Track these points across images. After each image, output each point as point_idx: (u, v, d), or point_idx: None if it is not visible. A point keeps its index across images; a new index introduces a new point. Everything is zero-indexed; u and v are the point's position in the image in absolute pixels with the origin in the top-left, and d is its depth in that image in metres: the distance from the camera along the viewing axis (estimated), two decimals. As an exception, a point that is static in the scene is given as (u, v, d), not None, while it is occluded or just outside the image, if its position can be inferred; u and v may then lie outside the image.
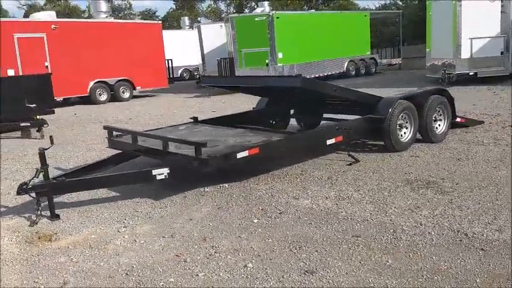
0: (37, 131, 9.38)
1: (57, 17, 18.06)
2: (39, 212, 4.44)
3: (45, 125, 9.47)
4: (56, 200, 5.02)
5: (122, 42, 17.36)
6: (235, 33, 18.32)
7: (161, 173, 4.70)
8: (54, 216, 4.48)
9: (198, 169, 4.68)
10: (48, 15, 17.09)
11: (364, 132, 6.32)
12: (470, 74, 15.04)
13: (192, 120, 6.85)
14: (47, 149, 4.49)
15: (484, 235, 3.62)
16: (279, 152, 5.36)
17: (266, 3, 24.29)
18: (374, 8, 37.53)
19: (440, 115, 6.95)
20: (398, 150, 6.29)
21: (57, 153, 7.73)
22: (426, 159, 5.96)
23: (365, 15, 23.98)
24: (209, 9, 44.57)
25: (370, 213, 4.22)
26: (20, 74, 14.63)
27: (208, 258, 3.51)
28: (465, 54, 15.03)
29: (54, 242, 3.97)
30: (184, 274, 3.27)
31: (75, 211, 4.74)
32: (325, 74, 21.05)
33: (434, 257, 3.32)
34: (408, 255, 3.38)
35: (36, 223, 4.38)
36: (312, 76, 20.05)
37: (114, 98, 17.55)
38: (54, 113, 10.66)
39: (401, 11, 28.52)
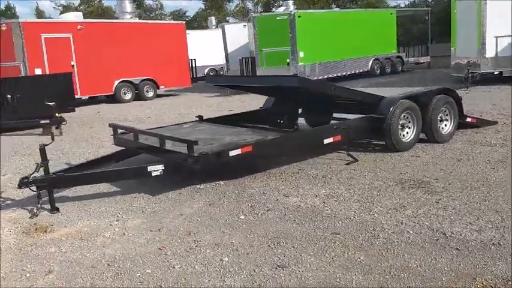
0: (56, 128, 9.74)
1: (90, 17, 18.57)
2: (39, 205, 4.67)
3: (63, 123, 9.82)
4: (59, 194, 5.30)
5: (146, 42, 17.70)
6: (257, 33, 18.44)
7: (156, 169, 4.87)
8: (54, 209, 4.70)
9: (190, 166, 4.82)
10: (75, 16, 17.60)
11: (365, 131, 6.34)
12: (495, 73, 14.69)
13: (197, 119, 7.01)
14: (47, 145, 4.71)
15: (462, 235, 3.62)
16: (273, 151, 5.45)
17: (290, 2, 24.27)
18: (403, 5, 36.95)
19: (447, 115, 6.88)
20: (399, 150, 6.28)
21: (70, 150, 8.05)
22: (426, 159, 5.93)
23: (391, 13, 23.65)
24: (237, 8, 44.83)
25: (355, 212, 4.26)
26: (47, 73, 15.17)
27: (188, 251, 3.65)
28: (490, 53, 14.69)
29: (48, 233, 4.19)
30: (161, 266, 3.41)
31: (75, 205, 4.96)
32: (348, 73, 20.94)
33: (406, 255, 3.36)
34: (381, 253, 3.42)
35: (36, 215, 4.61)
36: (335, 75, 20.03)
37: (139, 96, 17.93)
38: (74, 111, 11.05)
39: (429, 8, 27.97)
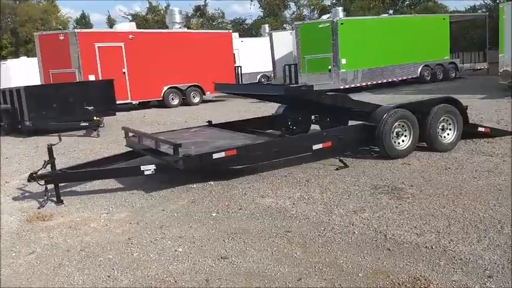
0: (94, 130, 10.63)
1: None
2: (46, 197, 5.34)
3: (101, 125, 10.70)
4: (71, 188, 5.99)
5: (193, 50, 18.56)
6: (299, 40, 18.78)
7: (148, 169, 5.41)
8: (59, 202, 5.36)
9: (176, 167, 5.31)
10: (129, 26, 18.80)
11: (358, 139, 6.52)
12: (542, 82, 14.08)
13: (206, 124, 7.50)
14: (54, 145, 5.38)
15: (401, 237, 3.83)
16: (260, 155, 5.79)
17: (340, 8, 24.34)
18: (464, 10, 35.69)
19: (450, 124, 6.91)
20: (393, 157, 6.42)
21: (100, 150, 8.83)
22: (415, 167, 6.05)
23: (443, 19, 23.09)
24: (293, 16, 45.23)
25: (316, 213, 4.55)
26: (100, 79, 16.39)
27: (151, 242, 4.11)
28: (536, 61, 14.11)
29: (46, 222, 4.82)
30: (122, 253, 3.90)
31: (79, 198, 5.59)
32: (395, 80, 20.72)
33: (339, 253, 3.64)
34: (318, 250, 3.72)
35: (43, 206, 5.28)
36: (380, 82, 19.91)
37: (186, 102, 18.82)
38: (115, 115, 11.94)
39: (487, 13, 26.92)
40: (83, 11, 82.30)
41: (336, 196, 5.03)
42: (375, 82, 19.99)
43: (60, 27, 51.36)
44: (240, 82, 23.31)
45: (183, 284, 3.30)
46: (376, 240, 3.82)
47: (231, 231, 4.24)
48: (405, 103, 6.80)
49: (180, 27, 20.11)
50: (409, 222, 4.13)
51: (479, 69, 25.11)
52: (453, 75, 23.05)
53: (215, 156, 5.34)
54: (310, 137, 6.28)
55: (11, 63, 26.83)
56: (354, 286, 3.13)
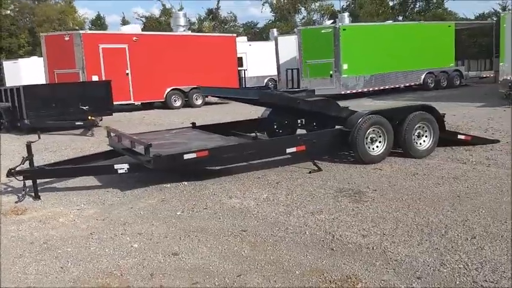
0: (88, 129, 10.91)
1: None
2: (24, 192, 5.57)
3: (96, 125, 10.96)
4: (50, 185, 6.22)
5: (197, 53, 18.83)
6: (302, 45, 18.93)
7: (122, 167, 5.62)
8: (37, 197, 5.58)
9: (147, 166, 5.50)
10: (133, 28, 19.14)
11: (333, 143, 6.65)
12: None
13: (190, 126, 7.70)
14: (33, 142, 5.61)
15: (348, 238, 3.98)
16: (231, 157, 5.95)
17: (346, 14, 24.48)
18: (474, 17, 35.51)
19: (426, 131, 7.02)
20: (367, 162, 6.54)
21: (90, 148, 9.08)
22: (385, 172, 6.17)
23: (449, 26, 23.07)
24: (303, 20, 45.38)
25: (276, 214, 4.71)
26: (103, 79, 16.73)
27: (111, 237, 4.30)
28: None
29: (19, 216, 5.04)
30: (81, 247, 4.09)
31: (57, 194, 5.81)
32: (398, 86, 20.75)
33: (284, 251, 3.79)
34: (266, 249, 3.87)
35: (21, 201, 5.51)
36: (382, 88, 19.97)
37: (189, 104, 19.08)
38: (112, 115, 12.20)
39: (494, 21, 26.78)
40: (98, 12, 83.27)
41: (300, 198, 5.17)
42: (377, 88, 20.05)
43: (77, 27, 52.19)
44: (244, 85, 23.51)
45: (128, 277, 3.48)
46: (323, 241, 3.96)
47: (189, 230, 4.41)
48: (380, 109, 6.92)
49: (184, 30, 20.40)
50: (359, 224, 4.27)
51: (485, 77, 25.01)
52: (458, 82, 23.00)
53: (186, 156, 5.52)
54: (284, 140, 6.43)
55: (22, 62, 27.38)
56: (288, 283, 3.28)
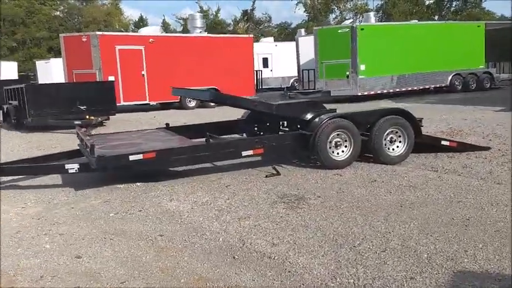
0: (85, 128, 11.11)
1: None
2: (-18, 189, 5.74)
3: (94, 123, 11.18)
4: (16, 182, 6.37)
5: (213, 54, 18.93)
6: (318, 45, 18.66)
7: (72, 167, 5.68)
8: (-7, 194, 5.74)
9: (92, 167, 5.53)
10: (153, 30, 19.44)
11: (294, 147, 6.47)
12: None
13: (163, 127, 7.69)
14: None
15: (256, 247, 3.84)
16: (181, 160, 5.88)
17: (372, 13, 23.93)
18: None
19: (399, 136, 6.72)
20: (330, 167, 6.33)
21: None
22: (343, 178, 5.95)
23: (478, 26, 22.13)
24: (336, 20, 44.76)
25: (203, 218, 4.62)
26: (120, 80, 17.10)
27: (32, 237, 4.31)
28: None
29: (-35, 213, 5.18)
30: (3, 241, 4.16)
31: (13, 192, 5.92)
32: (422, 88, 20.09)
33: (186, 258, 3.70)
34: (170, 254, 3.79)
35: (-22, 197, 5.68)
36: (403, 89, 19.39)
37: (203, 105, 19.19)
38: (115, 114, 12.41)
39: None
40: (141, 14, 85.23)
41: (238, 203, 5.06)
42: (398, 90, 19.52)
43: (122, 29, 53.70)
44: (261, 86, 23.43)
45: (18, 277, 3.49)
46: (231, 248, 3.84)
47: (110, 232, 4.38)
48: (346, 113, 6.68)
49: (200, 32, 20.52)
50: (277, 232, 4.12)
51: (519, 79, 23.85)
52: (488, 85, 22.01)
53: (132, 158, 5.51)
54: (239, 143, 6.31)
55: (53, 62, 28.38)
56: (167, 291, 3.20)
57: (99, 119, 11.91)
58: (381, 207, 4.74)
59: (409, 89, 19.74)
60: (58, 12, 61.04)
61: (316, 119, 6.38)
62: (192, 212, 4.83)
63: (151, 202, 5.26)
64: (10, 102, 12.87)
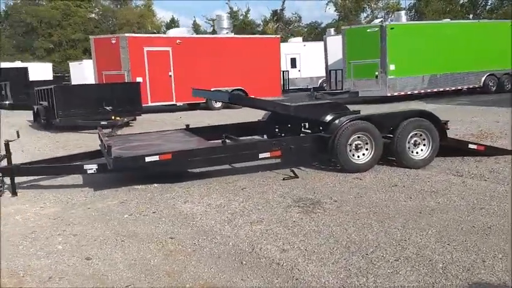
0: (111, 129, 11.29)
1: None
2: (2, 189, 5.84)
3: (120, 124, 11.31)
4: (38, 182, 6.49)
5: (239, 55, 18.93)
6: (346, 45, 18.39)
7: (91, 168, 5.72)
8: (14, 194, 5.83)
9: (109, 167, 5.55)
10: (180, 32, 19.59)
11: (313, 149, 6.33)
12: None
13: (184, 128, 7.68)
14: (12, 141, 5.86)
15: (266, 252, 3.76)
16: (197, 161, 5.85)
17: (402, 12, 23.40)
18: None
19: (424, 139, 6.50)
20: (351, 171, 6.18)
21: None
22: (363, 182, 5.80)
23: (512, 25, 21.34)
24: (367, 19, 44.09)
25: (215, 222, 4.56)
26: (147, 81, 17.31)
27: (46, 237, 4.34)
28: None
29: (-14, 212, 5.29)
30: (13, 244, 4.17)
31: (34, 192, 6.02)
32: (454, 88, 19.54)
33: (193, 262, 3.65)
34: (177, 258, 3.75)
35: (0, 196, 5.79)
36: (435, 90, 18.91)
37: (228, 105, 19.18)
38: (140, 115, 12.53)
39: None
40: (172, 15, 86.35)
41: (251, 206, 4.98)
42: (429, 90, 19.06)
43: (155, 31, 54.54)
44: (288, 87, 23.29)
45: (27, 278, 3.52)
46: (240, 253, 3.77)
47: (122, 234, 4.38)
48: (367, 114, 6.51)
49: (227, 33, 20.54)
50: (289, 238, 4.03)
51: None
52: (525, 86, 21.20)
53: (148, 159, 5.51)
54: (256, 145, 6.21)
55: (86, 63, 28.99)
56: (171, 296, 3.15)
57: (125, 119, 12.05)
58: (399, 213, 4.58)
59: (441, 89, 19.25)
60: (93, 15, 62.43)
61: (336, 121, 6.24)
62: (205, 215, 4.79)
63: (166, 204, 5.25)
64: (41, 103, 13.17)
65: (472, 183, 5.56)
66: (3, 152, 5.74)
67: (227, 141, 6.13)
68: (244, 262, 3.61)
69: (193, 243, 4.06)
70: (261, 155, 6.01)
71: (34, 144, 10.43)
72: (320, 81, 29.06)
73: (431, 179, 5.85)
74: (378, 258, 3.54)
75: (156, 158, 5.54)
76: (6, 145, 5.78)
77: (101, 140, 6.59)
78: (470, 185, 5.50)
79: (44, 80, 22.73)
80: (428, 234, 3.99)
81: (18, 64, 34.25)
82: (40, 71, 33.57)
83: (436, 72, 18.92)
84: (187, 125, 7.72)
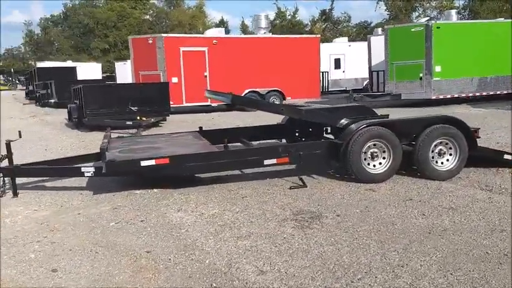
0: (136, 129, 11.21)
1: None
2: (2, 189, 5.76)
3: (144, 124, 11.21)
4: (42, 183, 6.39)
5: (277, 55, 18.50)
6: (389, 45, 17.56)
7: (88, 171, 5.52)
8: (15, 194, 5.73)
9: (103, 171, 5.32)
10: (217, 32, 19.43)
11: (323, 157, 5.84)
12: None
13: (196, 130, 7.39)
14: (13, 141, 5.77)
15: (242, 273, 3.38)
16: (197, 166, 5.51)
17: (453, 11, 22.15)
18: None
19: (450, 148, 5.88)
20: (363, 181, 5.67)
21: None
22: (375, 195, 5.27)
23: None
24: (418, 18, 42.35)
25: (201, 234, 4.21)
26: (183, 81, 17.27)
27: (25, 243, 4.14)
28: None
29: (-19, 213, 5.20)
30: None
31: (34, 194, 5.89)
32: (505, 92, 18.23)
33: (159, 281, 3.33)
34: (145, 276, 3.43)
35: (1, 197, 5.70)
36: (485, 94, 17.71)
37: (266, 107, 18.82)
38: (169, 115, 12.40)
39: None
40: (222, 16, 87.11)
41: (245, 218, 4.60)
42: (478, 94, 17.86)
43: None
44: (327, 88, 22.62)
45: (-17, 290, 3.31)
46: (213, 274, 3.41)
47: (101, 244, 4.11)
48: (384, 120, 5.96)
49: (265, 33, 20.17)
50: (272, 257, 3.62)
51: None
52: None
53: (143, 163, 5.23)
54: (261, 151, 5.79)
55: (129, 63, 29.46)
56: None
57: (152, 119, 11.95)
58: (405, 232, 4.06)
59: (491, 93, 18.00)
60: (147, 16, 63.90)
61: (350, 127, 5.74)
62: (193, 226, 4.45)
63: (158, 212, 4.94)
64: (75, 101, 13.34)
65: (499, 200, 4.92)
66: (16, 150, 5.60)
67: (229, 145, 5.77)
68: (214, 285, 3.24)
69: (168, 258, 3.72)
70: (266, 162, 5.60)
71: (60, 143, 10.49)
72: (365, 82, 28.15)
73: (453, 193, 5.24)
74: (364, 286, 3.07)
75: (152, 162, 5.26)
76: (7, 145, 5.69)
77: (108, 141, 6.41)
78: (496, 201, 4.87)
79: (91, 80, 23.26)
80: (432, 259, 3.47)
81: (69, 64, 35.51)
82: (90, 70, 34.64)
83: (486, 75, 17.73)
84: (201, 127, 7.43)
